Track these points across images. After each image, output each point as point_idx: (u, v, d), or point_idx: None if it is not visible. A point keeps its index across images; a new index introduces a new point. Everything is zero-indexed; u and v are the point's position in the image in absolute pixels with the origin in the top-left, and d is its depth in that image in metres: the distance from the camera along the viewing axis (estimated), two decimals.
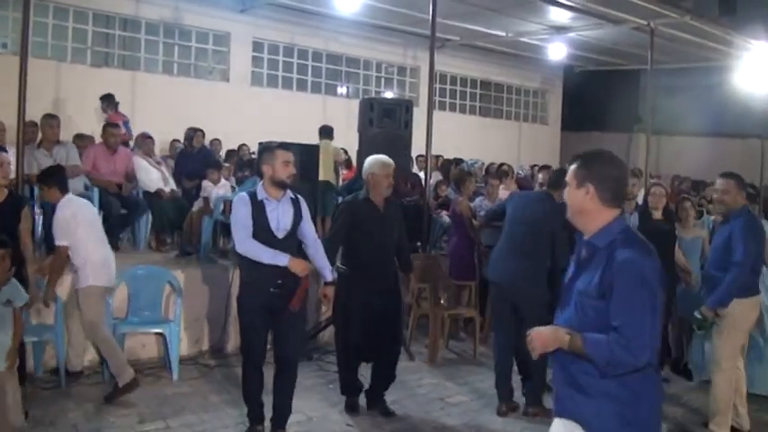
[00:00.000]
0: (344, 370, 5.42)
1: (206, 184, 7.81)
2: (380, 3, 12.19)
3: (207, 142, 11.93)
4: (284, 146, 4.72)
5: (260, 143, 8.24)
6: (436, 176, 10.48)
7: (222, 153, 11.24)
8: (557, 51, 14.65)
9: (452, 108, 17.28)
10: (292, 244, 4.70)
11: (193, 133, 9.52)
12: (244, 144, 11.35)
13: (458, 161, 11.60)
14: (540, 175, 10.77)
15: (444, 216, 8.98)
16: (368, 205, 5.29)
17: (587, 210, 2.59)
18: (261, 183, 4.65)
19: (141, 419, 5.07)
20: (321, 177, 9.60)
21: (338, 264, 5.35)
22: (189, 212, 7.87)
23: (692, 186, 13.79)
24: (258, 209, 4.55)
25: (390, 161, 5.35)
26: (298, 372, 4.88)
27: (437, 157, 12.11)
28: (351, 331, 5.27)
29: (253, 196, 4.59)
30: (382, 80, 16.07)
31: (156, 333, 6.33)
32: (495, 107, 18.25)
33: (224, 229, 7.66)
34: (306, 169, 7.86)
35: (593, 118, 19.60)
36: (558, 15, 12.63)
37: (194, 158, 9.08)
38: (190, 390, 5.79)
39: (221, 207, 7.49)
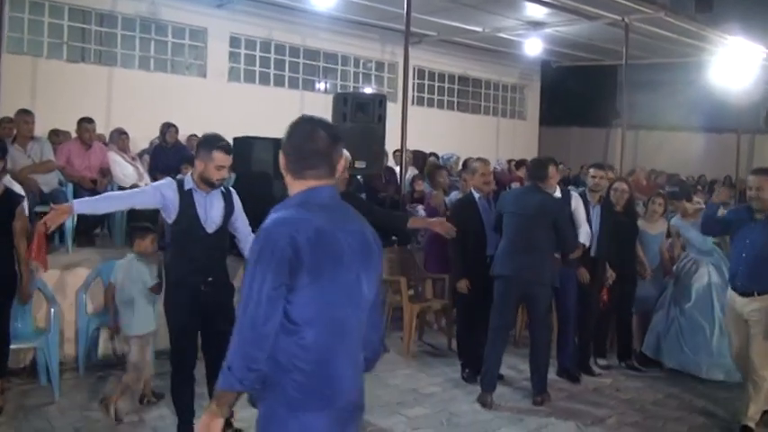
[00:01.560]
0: None
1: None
2: None
3: (184, 138, 11.95)
4: (226, 148, 4.30)
5: (236, 138, 8.33)
6: (412, 171, 10.53)
7: None
8: (533, 47, 14.73)
9: (430, 103, 17.33)
10: (223, 239, 4.47)
11: (167, 129, 9.52)
12: None
13: (432, 155, 11.67)
14: (520, 172, 10.91)
15: (420, 210, 9.04)
16: None
17: (287, 181, 2.45)
18: (189, 173, 4.43)
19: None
20: None
21: None
22: None
23: (667, 180, 13.96)
24: (186, 199, 4.27)
25: (348, 154, 5.06)
26: None
27: (414, 151, 12.17)
28: None
29: (180, 185, 4.33)
30: (360, 75, 16.08)
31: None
32: (474, 102, 18.31)
33: None
34: (278, 167, 7.89)
35: (571, 113, 19.79)
36: (534, 11, 12.71)
37: (168, 154, 9.10)
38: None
39: None
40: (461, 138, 16.07)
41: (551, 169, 5.78)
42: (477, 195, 6.24)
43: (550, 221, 5.56)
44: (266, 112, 12.56)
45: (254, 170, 7.49)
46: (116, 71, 12.23)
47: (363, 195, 9.51)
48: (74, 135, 8.32)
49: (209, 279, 4.30)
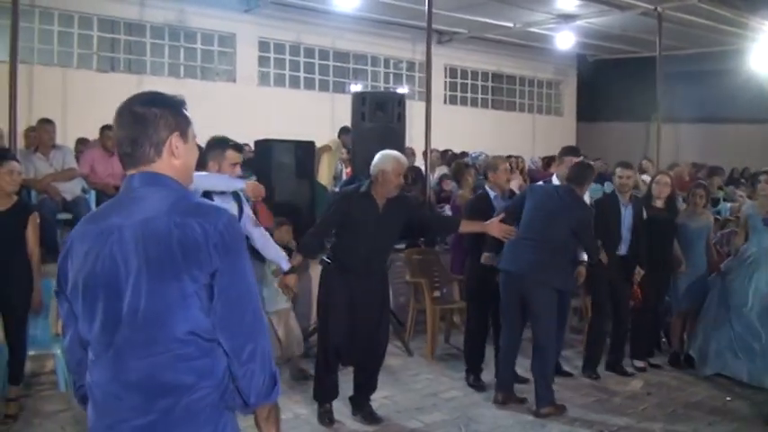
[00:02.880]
0: (321, 371, 5.09)
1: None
2: None
3: None
4: (237, 147, 4.50)
5: (257, 141, 8.31)
6: (441, 170, 10.37)
7: None
8: (565, 40, 14.45)
9: (464, 102, 17.14)
10: None
11: None
12: (246, 144, 11.33)
13: (464, 154, 11.50)
14: (552, 168, 10.63)
15: (447, 210, 8.88)
16: (366, 201, 4.89)
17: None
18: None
19: None
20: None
21: (324, 257, 5.09)
22: None
23: (709, 173, 13.49)
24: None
25: (405, 159, 5.04)
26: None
27: (444, 151, 12.02)
28: (329, 331, 4.97)
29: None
30: (391, 76, 15.97)
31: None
32: (508, 99, 18.07)
33: None
34: (302, 167, 7.83)
35: (610, 108, 19.33)
36: (564, 4, 12.48)
37: None
38: None
39: None
40: (496, 136, 15.84)
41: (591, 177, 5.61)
42: (492, 194, 6.02)
43: (572, 225, 5.34)
44: (297, 116, 12.59)
45: (275, 171, 7.47)
46: (146, 79, 12.31)
47: None
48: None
49: None
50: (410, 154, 9.36)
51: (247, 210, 4.60)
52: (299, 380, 5.88)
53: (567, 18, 13.34)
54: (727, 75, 16.17)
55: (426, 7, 8.81)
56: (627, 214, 6.33)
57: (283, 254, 4.82)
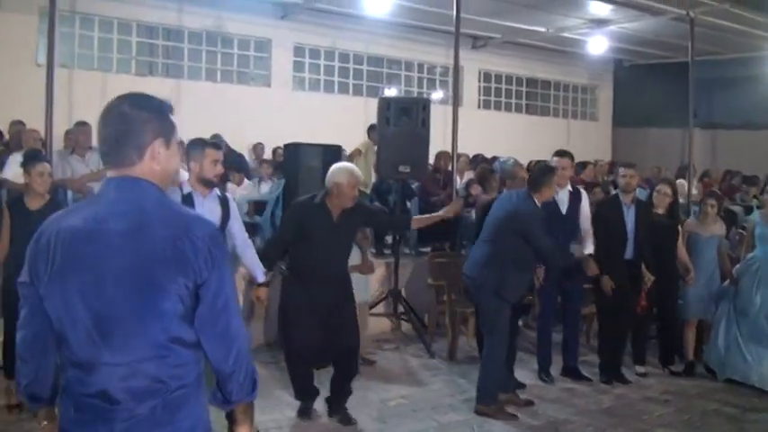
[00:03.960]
0: (291, 372, 5.16)
1: (229, 185, 8.01)
2: (419, 4, 12.26)
3: (248, 147, 12.27)
4: (215, 144, 4.48)
5: (286, 145, 8.44)
6: (470, 175, 10.43)
7: (267, 157, 11.55)
8: (598, 45, 14.42)
9: (497, 106, 17.15)
10: None
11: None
12: (279, 147, 11.55)
13: (494, 159, 11.52)
14: (583, 175, 10.63)
15: (472, 214, 8.94)
16: (321, 212, 4.92)
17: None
18: (187, 178, 4.47)
19: None
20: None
21: (280, 265, 5.15)
22: None
23: (743, 181, 13.34)
24: (186, 203, 4.21)
25: (359, 172, 5.06)
26: None
27: (474, 156, 12.08)
28: (289, 336, 5.01)
29: (180, 189, 4.37)
30: (425, 81, 16.07)
31: None
32: (543, 104, 18.01)
33: (248, 228, 7.82)
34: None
35: (645, 113, 19.11)
36: (597, 9, 12.46)
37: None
38: None
39: (245, 207, 7.67)
40: (530, 141, 15.78)
41: (551, 181, 5.51)
42: None
43: (515, 228, 5.31)
44: (331, 120, 12.76)
45: (303, 175, 7.61)
46: (183, 83, 12.60)
47: (416, 200, 9.52)
48: None
49: None
50: (444, 158, 9.44)
51: (234, 212, 4.59)
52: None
53: (599, 23, 13.30)
54: (765, 80, 15.95)
55: (455, 12, 8.89)
56: (630, 215, 6.33)
57: (261, 266, 4.78)
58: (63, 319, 1.97)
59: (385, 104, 7.49)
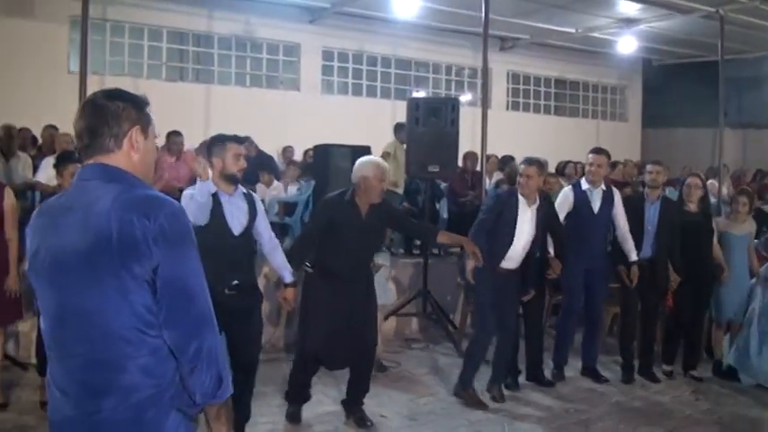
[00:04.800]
0: (295, 374, 5.07)
1: (259, 186, 8.11)
2: (446, 6, 12.33)
3: (279, 149, 12.38)
4: (237, 139, 4.30)
5: (315, 146, 8.52)
6: (498, 176, 10.44)
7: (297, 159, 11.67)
8: (627, 45, 14.34)
9: (526, 108, 17.12)
10: (248, 243, 4.40)
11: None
12: (308, 149, 11.63)
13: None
14: (612, 175, 10.58)
15: None
16: (350, 209, 4.84)
17: None
18: (210, 177, 4.22)
19: None
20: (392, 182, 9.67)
21: (306, 264, 4.97)
22: None
23: None
24: (214, 202, 4.10)
25: (385, 165, 4.96)
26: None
27: (503, 156, 12.06)
28: (308, 336, 4.92)
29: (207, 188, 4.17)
30: (453, 83, 16.10)
31: None
32: (571, 105, 17.93)
33: (278, 229, 7.92)
34: None
35: (676, 113, 18.93)
36: (625, 8, 12.42)
37: (251, 164, 9.40)
38: None
39: (275, 208, 7.75)
40: (560, 142, 15.74)
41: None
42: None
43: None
44: (359, 123, 12.84)
45: (332, 176, 7.67)
46: (213, 88, 12.78)
47: (445, 200, 9.56)
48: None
49: (235, 283, 4.19)
50: (471, 158, 9.48)
51: (261, 210, 4.47)
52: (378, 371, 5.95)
53: (628, 22, 13.25)
54: None
55: (483, 13, 8.91)
56: (652, 213, 6.29)
57: (289, 266, 4.64)
58: (41, 308, 1.98)
59: (414, 105, 7.54)
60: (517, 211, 5.48)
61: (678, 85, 17.89)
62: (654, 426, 5.33)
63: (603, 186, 6.23)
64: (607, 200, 6.19)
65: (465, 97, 15.87)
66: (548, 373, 6.29)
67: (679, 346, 6.63)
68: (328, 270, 4.87)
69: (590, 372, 6.42)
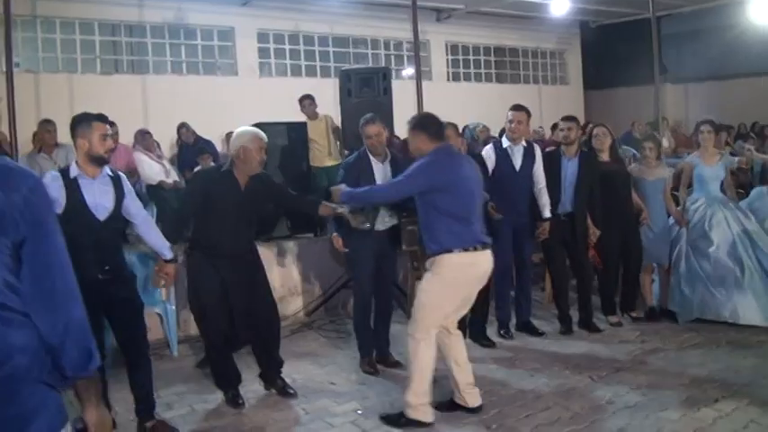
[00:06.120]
0: (214, 359, 4.99)
1: (197, 170, 8.07)
2: None
3: (222, 135, 12.24)
4: (102, 118, 4.14)
5: (253, 125, 8.45)
6: None
7: None
8: (559, 7, 14.44)
9: (467, 78, 17.17)
10: (117, 226, 4.34)
11: (179, 129, 10.44)
12: (229, 132, 11.52)
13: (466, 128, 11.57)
14: (554, 136, 10.73)
15: None
16: (228, 181, 4.72)
17: None
18: (74, 159, 4.20)
19: None
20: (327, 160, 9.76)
21: (186, 247, 4.90)
22: None
23: (715, 129, 13.42)
24: (72, 188, 4.02)
25: (264, 135, 4.82)
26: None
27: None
28: (207, 323, 4.83)
29: (65, 174, 4.10)
30: (392, 57, 16.06)
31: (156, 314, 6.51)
32: (512, 72, 18.03)
33: None
34: (294, 152, 8.01)
35: (616, 73, 19.18)
36: None
37: (192, 150, 9.38)
38: (185, 364, 6.05)
39: None
40: (503, 109, 15.70)
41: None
42: None
43: None
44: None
45: (270, 154, 7.59)
46: (149, 78, 12.52)
47: None
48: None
49: (106, 268, 4.11)
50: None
51: (129, 190, 4.35)
52: None
53: None
54: (730, 30, 16.03)
55: None
56: (570, 168, 6.38)
57: (166, 242, 4.55)
58: None
59: (345, 77, 7.58)
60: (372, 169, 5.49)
61: (617, 46, 18.11)
62: (612, 367, 5.45)
63: (524, 143, 6.27)
64: (528, 156, 6.23)
65: (407, 71, 15.88)
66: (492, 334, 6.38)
67: (615, 295, 6.79)
68: (208, 247, 4.75)
69: (524, 326, 6.53)
